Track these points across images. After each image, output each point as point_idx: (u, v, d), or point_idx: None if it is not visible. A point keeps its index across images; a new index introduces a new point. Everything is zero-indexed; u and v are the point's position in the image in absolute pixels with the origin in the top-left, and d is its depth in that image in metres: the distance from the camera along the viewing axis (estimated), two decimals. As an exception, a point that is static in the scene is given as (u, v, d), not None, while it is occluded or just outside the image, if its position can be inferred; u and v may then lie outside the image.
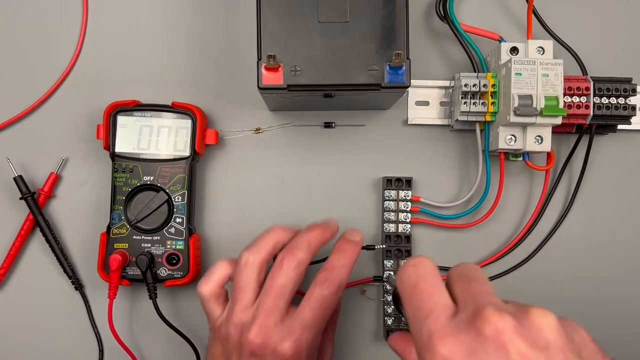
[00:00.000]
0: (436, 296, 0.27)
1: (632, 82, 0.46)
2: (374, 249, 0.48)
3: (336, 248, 0.41)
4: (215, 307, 0.41)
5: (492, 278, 0.49)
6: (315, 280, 0.39)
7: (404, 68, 0.39)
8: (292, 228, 0.42)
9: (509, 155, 0.48)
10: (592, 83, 0.46)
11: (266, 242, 0.40)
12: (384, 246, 0.48)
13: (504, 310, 0.25)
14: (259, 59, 0.39)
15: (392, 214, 0.49)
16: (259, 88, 0.40)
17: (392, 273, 0.48)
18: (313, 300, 0.38)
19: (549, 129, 0.45)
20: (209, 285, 0.41)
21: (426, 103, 0.50)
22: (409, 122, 0.50)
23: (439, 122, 0.50)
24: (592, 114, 0.46)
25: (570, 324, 0.27)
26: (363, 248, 0.43)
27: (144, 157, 0.47)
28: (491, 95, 0.45)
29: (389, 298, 0.48)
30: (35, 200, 0.48)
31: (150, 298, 0.46)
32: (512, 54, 0.46)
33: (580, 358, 0.25)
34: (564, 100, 0.44)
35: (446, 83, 0.49)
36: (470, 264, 0.30)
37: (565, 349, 0.24)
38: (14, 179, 0.48)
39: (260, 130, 0.50)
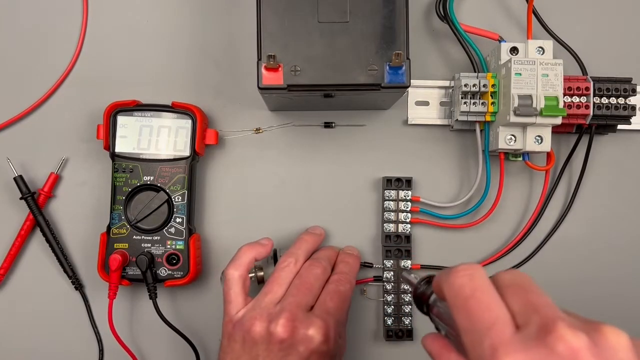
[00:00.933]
0: (496, 309, 0.26)
1: (632, 82, 0.46)
2: (371, 266, 0.49)
3: (339, 260, 0.46)
4: (239, 293, 0.42)
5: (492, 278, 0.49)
6: (328, 281, 0.43)
7: (404, 68, 0.39)
8: (314, 234, 0.47)
9: (509, 155, 0.48)
10: (592, 83, 0.46)
11: (302, 249, 0.45)
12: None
13: (578, 327, 0.24)
14: (259, 59, 0.39)
15: (392, 214, 0.49)
16: (259, 88, 0.40)
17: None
18: (330, 292, 0.42)
19: (549, 129, 0.45)
20: (239, 269, 0.42)
21: (426, 103, 0.50)
22: (409, 122, 0.50)
23: (439, 122, 0.50)
24: (592, 114, 0.46)
25: (638, 344, 0.25)
26: (362, 264, 0.48)
27: (144, 157, 0.47)
28: (491, 95, 0.45)
29: (389, 298, 0.48)
30: (35, 200, 0.48)
31: (150, 298, 0.46)
32: (512, 54, 0.46)
33: None
34: (563, 100, 0.44)
35: (446, 83, 0.49)
36: (520, 272, 0.29)
37: None
38: (14, 179, 0.48)
39: (260, 130, 0.50)
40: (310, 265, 0.43)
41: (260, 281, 0.46)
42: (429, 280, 0.33)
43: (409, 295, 0.48)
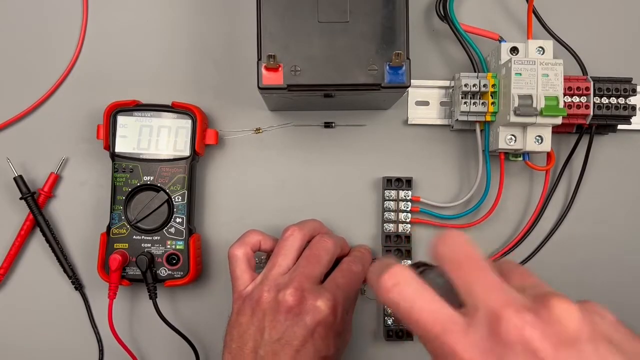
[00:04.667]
0: (433, 314, 0.26)
1: (632, 82, 0.46)
2: None
3: (352, 252, 0.46)
4: (246, 270, 0.42)
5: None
6: (341, 262, 0.43)
7: (404, 68, 0.39)
8: (319, 220, 0.47)
9: (509, 155, 0.48)
10: (592, 83, 0.46)
11: (309, 225, 0.44)
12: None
13: (522, 307, 0.24)
14: (259, 59, 0.39)
15: (392, 214, 0.49)
16: (259, 88, 0.40)
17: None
18: (342, 270, 0.42)
19: (549, 129, 0.45)
20: (243, 247, 0.42)
21: (426, 103, 0.50)
22: (409, 122, 0.50)
23: (439, 122, 0.50)
24: (592, 114, 0.46)
25: (593, 309, 0.25)
26: (373, 260, 0.47)
27: (144, 157, 0.47)
28: (491, 95, 0.45)
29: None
30: (35, 200, 0.48)
31: (150, 298, 0.46)
32: (512, 54, 0.46)
33: (612, 345, 0.23)
34: (564, 100, 0.44)
35: (446, 83, 0.49)
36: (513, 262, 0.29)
37: (596, 339, 0.23)
38: (14, 179, 0.48)
39: (260, 130, 0.50)
40: (321, 239, 0.43)
41: None
42: (416, 264, 0.33)
43: None
